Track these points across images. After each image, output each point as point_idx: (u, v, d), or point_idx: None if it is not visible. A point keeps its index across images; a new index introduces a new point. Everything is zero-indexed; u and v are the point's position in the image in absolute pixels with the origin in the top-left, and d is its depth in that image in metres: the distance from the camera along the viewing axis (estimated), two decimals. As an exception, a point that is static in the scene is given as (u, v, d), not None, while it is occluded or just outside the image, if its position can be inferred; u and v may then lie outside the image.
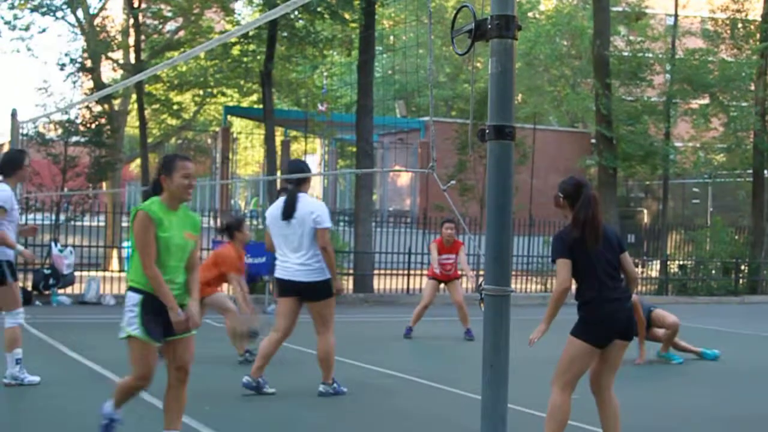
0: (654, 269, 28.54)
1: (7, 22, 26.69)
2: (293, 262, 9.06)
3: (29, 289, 18.13)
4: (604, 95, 26.17)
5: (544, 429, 6.74)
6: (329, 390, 9.32)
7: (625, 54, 31.24)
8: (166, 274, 6.29)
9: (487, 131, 4.39)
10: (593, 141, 33.68)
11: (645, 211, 42.15)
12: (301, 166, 9.86)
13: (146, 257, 6.22)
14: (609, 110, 26.28)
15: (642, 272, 28.31)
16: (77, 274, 19.00)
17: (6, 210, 8.96)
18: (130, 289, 6.35)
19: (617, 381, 7.03)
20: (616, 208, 27.47)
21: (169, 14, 28.77)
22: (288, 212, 9.08)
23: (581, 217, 6.50)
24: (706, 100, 31.73)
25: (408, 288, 22.61)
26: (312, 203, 9.32)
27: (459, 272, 15.04)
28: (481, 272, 18.81)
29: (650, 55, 31.78)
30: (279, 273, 9.21)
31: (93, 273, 19.85)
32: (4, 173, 9.17)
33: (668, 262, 27.89)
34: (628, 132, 27.66)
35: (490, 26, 4.34)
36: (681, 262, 28.47)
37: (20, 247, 9.68)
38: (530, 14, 46.39)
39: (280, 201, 9.31)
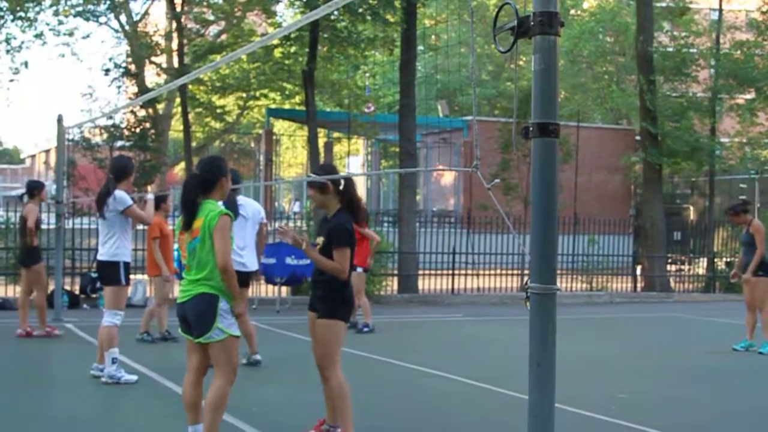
0: (701, 266, 28.25)
1: (52, 28, 26.98)
2: (245, 255, 10.41)
3: (76, 292, 18.31)
4: (649, 91, 25.98)
5: None
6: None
7: (670, 50, 30.98)
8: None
9: (531, 129, 4.36)
10: (638, 138, 33.42)
11: (691, 207, 41.78)
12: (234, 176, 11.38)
13: (230, 256, 6.43)
14: (654, 106, 26.09)
15: (689, 269, 28.07)
16: (124, 277, 19.12)
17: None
18: (218, 298, 6.36)
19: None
20: (661, 204, 27.25)
21: (212, 18, 28.93)
22: (235, 212, 10.22)
23: None
24: (752, 95, 31.39)
25: (453, 288, 22.56)
26: (255, 203, 11.15)
27: None
28: (527, 271, 18.71)
29: (695, 50, 31.49)
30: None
31: (139, 276, 19.98)
32: (118, 179, 9.78)
33: (715, 260, 27.59)
34: (673, 128, 27.44)
35: (532, 23, 4.31)
36: (728, 259, 28.13)
37: (150, 195, 10.71)
38: (573, 11, 46.16)
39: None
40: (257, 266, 10.72)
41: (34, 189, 13.60)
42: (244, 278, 10.43)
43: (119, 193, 9.61)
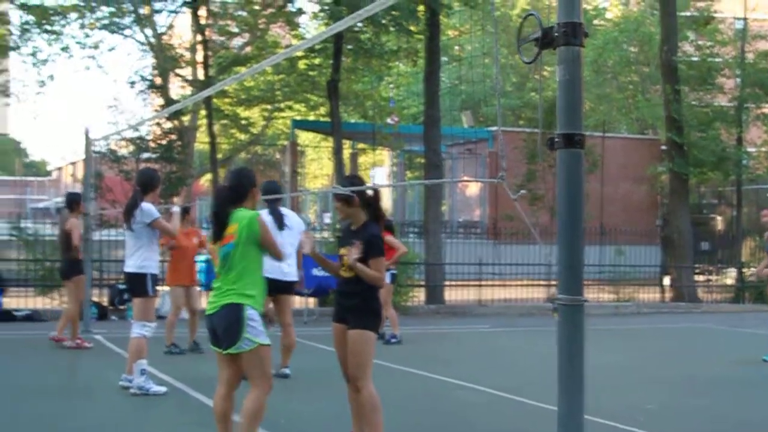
0: (729, 276, 28.07)
1: (78, 41, 27.18)
2: (286, 265, 10.07)
3: (105, 304, 18.39)
4: (675, 101, 25.89)
5: None
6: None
7: (695, 59, 30.87)
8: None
9: (556, 139, 4.36)
10: (664, 148, 33.30)
11: (718, 217, 41.52)
12: (275, 187, 11.29)
13: (278, 248, 6.66)
14: (680, 116, 26.00)
15: (717, 280, 27.90)
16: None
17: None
18: (243, 307, 6.30)
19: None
20: (688, 215, 27.12)
21: (236, 30, 29.07)
22: (281, 222, 10.37)
23: None
24: (779, 104, 31.25)
25: (479, 299, 22.52)
26: (295, 215, 11.20)
27: None
28: (553, 282, 18.68)
29: (720, 59, 31.37)
30: (273, 274, 9.63)
31: (167, 287, 20.02)
32: (144, 191, 9.80)
33: (743, 270, 27.42)
34: (699, 138, 27.33)
35: (557, 34, 4.31)
36: (757, 269, 27.96)
37: (176, 208, 10.83)
38: (596, 21, 46.07)
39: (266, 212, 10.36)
40: (297, 277, 10.76)
41: (74, 201, 13.63)
42: (287, 287, 10.55)
43: (146, 205, 9.66)
